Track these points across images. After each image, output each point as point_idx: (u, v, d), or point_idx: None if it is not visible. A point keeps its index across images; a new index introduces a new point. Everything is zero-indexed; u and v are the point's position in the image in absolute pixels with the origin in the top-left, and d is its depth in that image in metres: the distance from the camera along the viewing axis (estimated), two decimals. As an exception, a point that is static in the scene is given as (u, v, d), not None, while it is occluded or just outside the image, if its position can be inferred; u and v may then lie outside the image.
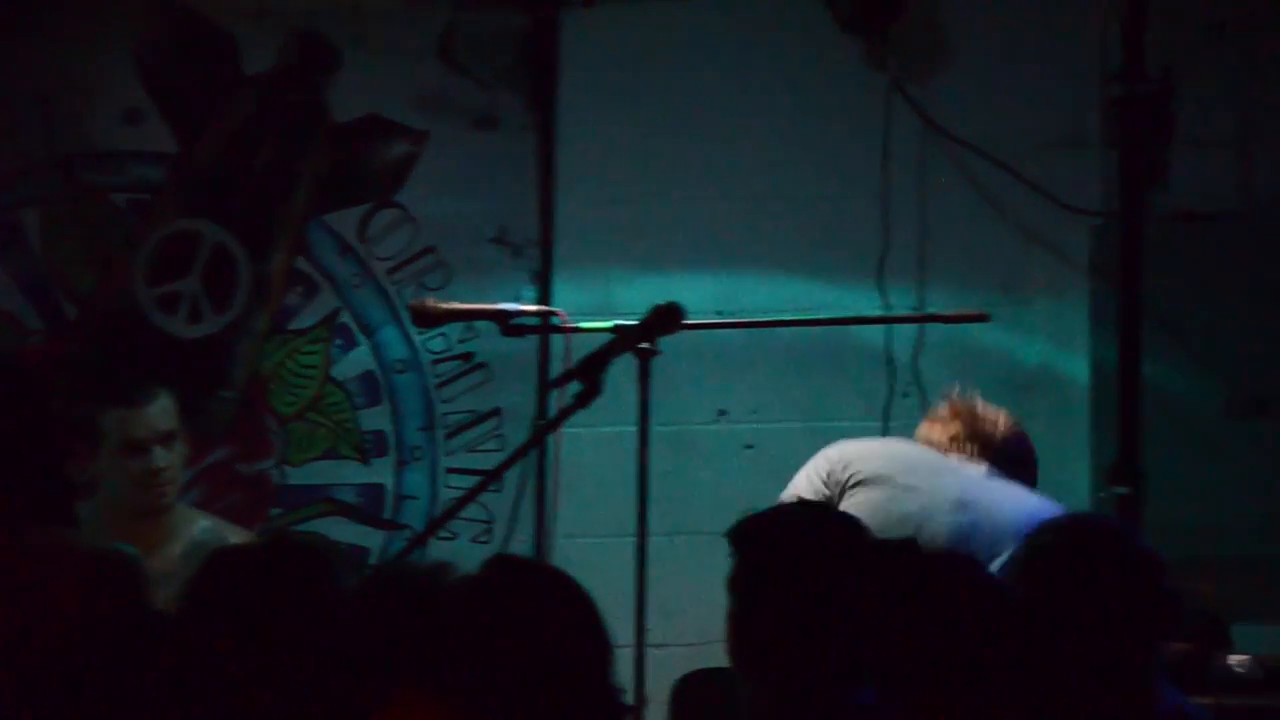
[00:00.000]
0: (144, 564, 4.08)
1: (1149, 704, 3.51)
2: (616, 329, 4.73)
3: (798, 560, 3.64)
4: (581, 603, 3.26)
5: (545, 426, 4.73)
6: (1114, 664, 3.40)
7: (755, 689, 3.68)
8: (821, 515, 3.77)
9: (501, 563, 3.48)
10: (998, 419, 4.79)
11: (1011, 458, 4.75)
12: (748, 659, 3.66)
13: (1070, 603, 3.39)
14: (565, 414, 4.37)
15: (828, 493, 4.54)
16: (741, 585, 3.66)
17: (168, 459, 5.36)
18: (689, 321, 4.68)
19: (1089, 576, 3.42)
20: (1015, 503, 4.58)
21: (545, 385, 5.72)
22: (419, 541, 5.23)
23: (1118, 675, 3.40)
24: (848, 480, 4.56)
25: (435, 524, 5.28)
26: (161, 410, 5.38)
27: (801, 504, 3.86)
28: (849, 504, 4.47)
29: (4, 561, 3.82)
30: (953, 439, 4.75)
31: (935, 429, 4.80)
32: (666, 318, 4.60)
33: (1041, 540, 3.52)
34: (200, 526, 5.48)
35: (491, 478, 4.74)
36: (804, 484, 4.57)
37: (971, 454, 4.73)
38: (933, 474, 4.63)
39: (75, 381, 5.90)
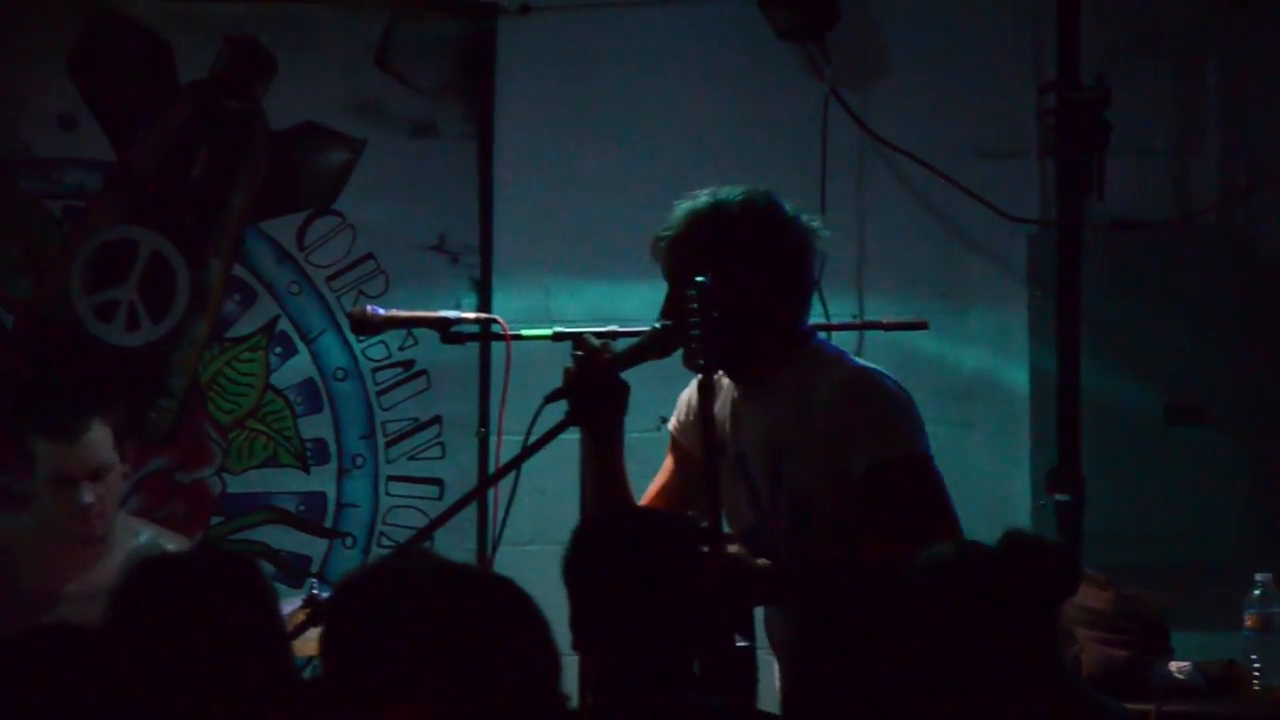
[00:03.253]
0: None
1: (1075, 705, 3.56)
2: (557, 335, 4.73)
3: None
4: (528, 610, 3.27)
5: (538, 441, 4.53)
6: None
7: None
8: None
9: (447, 573, 3.47)
10: None
11: None
12: None
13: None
14: (557, 430, 4.29)
15: None
16: None
17: (95, 495, 5.28)
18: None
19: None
20: None
21: (503, 395, 5.64)
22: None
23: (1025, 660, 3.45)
24: None
25: (424, 532, 5.04)
26: (92, 444, 5.29)
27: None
28: None
29: None
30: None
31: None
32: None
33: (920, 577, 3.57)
34: (140, 536, 5.45)
35: (485, 487, 4.64)
36: None
37: None
38: None
39: (12, 395, 5.85)
